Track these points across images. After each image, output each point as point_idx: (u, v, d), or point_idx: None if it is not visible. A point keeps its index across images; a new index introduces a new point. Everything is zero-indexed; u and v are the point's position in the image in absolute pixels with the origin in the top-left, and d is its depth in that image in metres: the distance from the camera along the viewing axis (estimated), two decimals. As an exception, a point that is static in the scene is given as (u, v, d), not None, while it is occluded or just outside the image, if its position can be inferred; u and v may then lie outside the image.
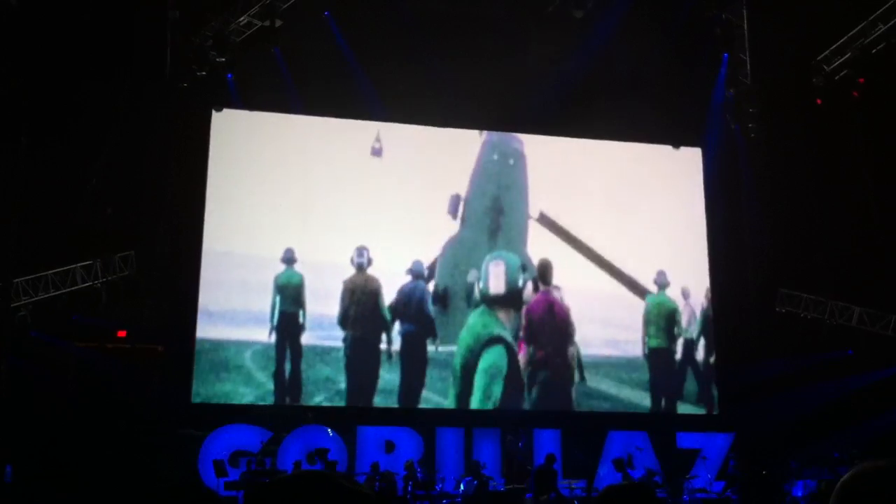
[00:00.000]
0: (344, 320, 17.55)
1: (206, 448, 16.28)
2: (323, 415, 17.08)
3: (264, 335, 17.22)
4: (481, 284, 18.21)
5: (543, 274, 18.50)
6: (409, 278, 17.93)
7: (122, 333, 17.36)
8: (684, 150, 19.94)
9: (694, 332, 19.06)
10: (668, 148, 19.84)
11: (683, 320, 19.05)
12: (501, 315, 18.16)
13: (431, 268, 18.09)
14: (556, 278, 18.53)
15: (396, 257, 17.90)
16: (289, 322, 17.37)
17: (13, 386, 15.26)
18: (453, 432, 17.46)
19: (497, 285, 18.28)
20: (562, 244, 18.70)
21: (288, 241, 17.47)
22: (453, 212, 18.36)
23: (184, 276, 17.14)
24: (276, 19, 17.69)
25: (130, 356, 17.12)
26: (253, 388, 17.00)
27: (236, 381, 16.91)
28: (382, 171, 18.24)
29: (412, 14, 18.46)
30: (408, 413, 17.52)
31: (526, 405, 18.10)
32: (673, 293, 19.04)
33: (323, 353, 17.41)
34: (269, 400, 17.06)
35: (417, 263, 17.95)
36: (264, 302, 17.32)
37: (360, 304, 17.65)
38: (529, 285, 18.41)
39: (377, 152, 18.29)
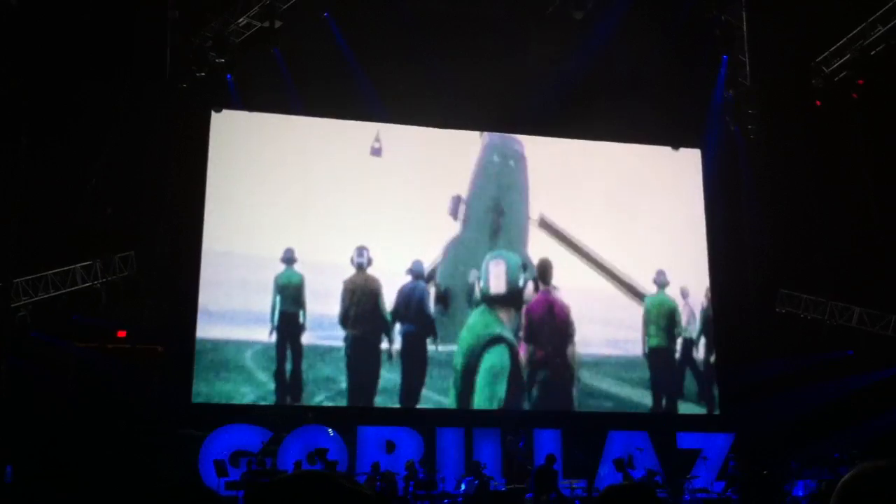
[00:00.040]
0: (344, 320, 17.55)
1: (207, 448, 16.29)
2: (323, 415, 17.08)
3: (265, 335, 17.22)
4: (482, 284, 18.22)
5: (543, 274, 18.51)
6: (409, 278, 17.92)
7: (122, 333, 17.36)
8: (684, 150, 19.95)
9: (693, 331, 19.07)
10: (668, 149, 19.85)
11: (683, 320, 19.05)
12: (502, 314, 18.17)
13: (433, 269, 18.07)
14: (557, 278, 18.54)
15: (396, 257, 17.90)
16: (289, 322, 17.38)
17: (13, 386, 15.26)
18: (454, 432, 17.46)
19: (498, 285, 18.29)
20: (560, 244, 18.70)
21: (288, 241, 17.47)
22: (454, 213, 18.36)
23: (183, 277, 17.14)
24: (275, 20, 17.68)
25: (130, 356, 17.11)
26: (254, 387, 17.00)
27: (237, 381, 16.91)
28: (382, 171, 18.24)
29: (412, 14, 18.46)
30: (408, 413, 17.52)
31: (526, 405, 18.10)
32: (672, 292, 19.05)
33: (323, 352, 17.41)
34: (270, 400, 17.05)
35: (417, 263, 17.96)
36: (264, 302, 17.32)
37: (361, 303, 17.66)
38: (530, 285, 18.42)
39: (377, 152, 18.29)
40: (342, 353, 17.47)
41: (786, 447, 17.49)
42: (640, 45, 18.67)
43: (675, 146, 19.86)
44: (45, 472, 15.05)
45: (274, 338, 17.29)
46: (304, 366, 17.27)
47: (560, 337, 18.41)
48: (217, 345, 16.96)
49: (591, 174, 19.21)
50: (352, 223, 17.81)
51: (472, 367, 17.79)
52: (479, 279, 18.23)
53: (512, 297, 18.32)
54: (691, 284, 19.13)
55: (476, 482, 15.50)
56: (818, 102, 19.18)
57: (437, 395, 17.64)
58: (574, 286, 18.61)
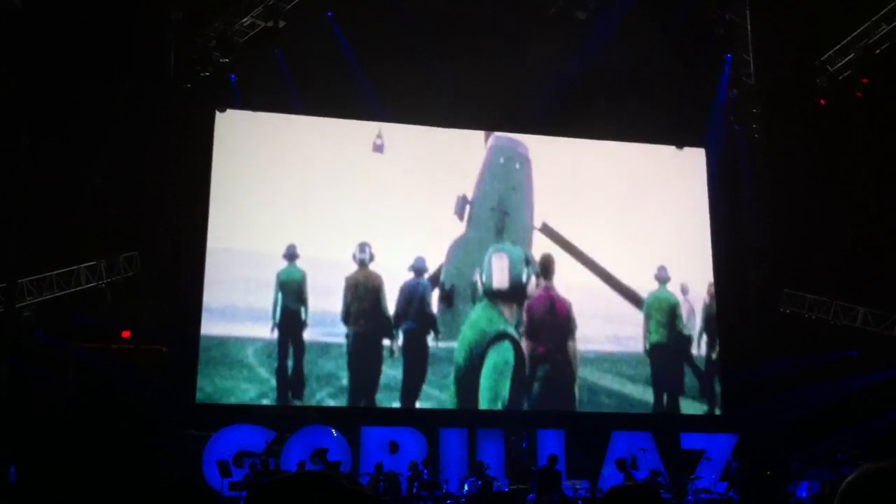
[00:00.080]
0: (346, 316, 17.57)
1: (210, 448, 16.29)
2: (327, 415, 17.08)
3: (266, 332, 17.23)
4: (484, 278, 18.22)
5: (545, 270, 18.51)
6: (410, 275, 17.93)
7: (126, 334, 17.39)
8: (688, 150, 19.94)
9: (693, 328, 19.03)
10: (672, 148, 19.84)
11: (683, 316, 19.04)
12: (504, 310, 18.17)
13: (438, 269, 18.07)
14: (559, 274, 18.54)
15: (398, 254, 17.92)
16: (291, 318, 17.39)
17: (14, 386, 15.28)
18: (457, 433, 17.45)
19: (501, 279, 18.29)
20: (565, 236, 18.73)
21: (290, 237, 17.49)
22: (460, 213, 18.38)
23: (187, 276, 17.16)
24: (279, 20, 17.69)
25: (134, 357, 17.13)
26: (256, 384, 17.01)
27: (239, 378, 16.92)
28: (384, 168, 18.26)
29: (415, 15, 18.48)
30: (412, 413, 17.52)
31: (527, 402, 18.08)
32: (673, 289, 19.04)
33: (325, 349, 17.42)
34: (272, 396, 17.06)
35: (420, 260, 17.97)
36: (266, 299, 17.34)
37: (362, 300, 17.67)
38: (533, 279, 18.41)
39: (379, 148, 18.32)
40: (344, 349, 17.48)
41: (789, 447, 17.47)
42: (643, 45, 18.67)
43: (679, 145, 19.86)
44: (47, 472, 15.06)
45: (275, 334, 17.30)
46: (305, 362, 17.28)
47: (561, 333, 18.41)
48: (219, 342, 16.98)
49: (595, 174, 19.21)
50: (353, 220, 17.83)
51: (475, 364, 17.79)
52: (481, 273, 18.22)
53: (514, 292, 18.32)
54: (693, 282, 19.11)
55: (479, 483, 15.49)
56: (822, 101, 19.17)
57: (438, 392, 17.65)
58: (576, 282, 18.60)
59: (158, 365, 17.05)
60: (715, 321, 19.11)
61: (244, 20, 17.81)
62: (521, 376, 17.98)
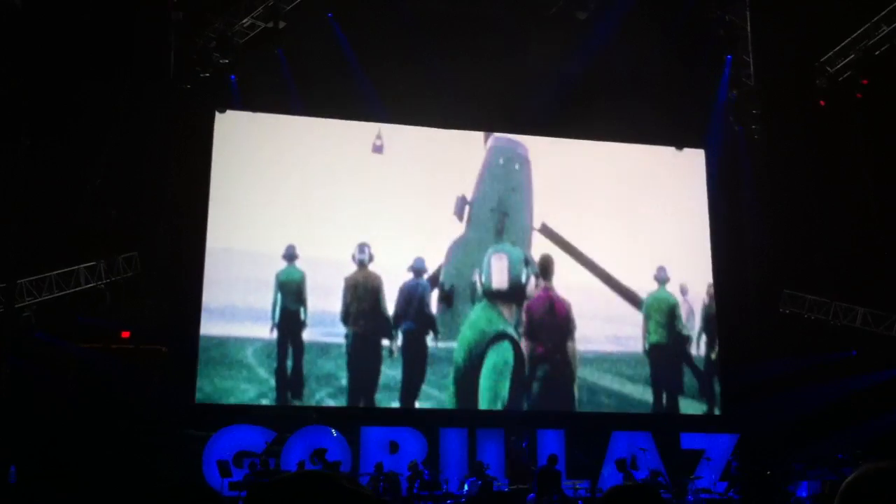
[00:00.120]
0: (345, 317, 17.57)
1: (211, 448, 16.29)
2: (327, 415, 17.09)
3: (266, 332, 17.23)
4: (483, 278, 18.21)
5: (545, 270, 18.51)
6: (409, 275, 17.94)
7: (125, 334, 17.39)
8: (688, 151, 19.94)
9: (692, 328, 19.03)
10: (672, 149, 19.84)
11: (682, 316, 19.04)
12: (504, 310, 18.17)
13: (437, 270, 18.07)
14: (558, 275, 18.54)
15: (397, 254, 17.91)
16: (290, 318, 17.40)
17: (14, 386, 15.28)
18: (457, 433, 17.45)
19: (500, 280, 18.29)
20: (564, 236, 18.72)
21: (290, 238, 17.49)
22: (459, 213, 18.38)
23: (187, 277, 17.15)
24: (279, 21, 17.69)
25: (134, 357, 17.13)
26: (255, 384, 17.01)
27: (238, 378, 16.93)
28: (383, 168, 18.27)
29: (415, 15, 18.48)
30: (412, 413, 17.52)
31: (526, 402, 18.08)
32: (673, 289, 19.04)
33: (324, 349, 17.43)
34: (271, 396, 17.07)
35: (419, 260, 17.97)
36: (266, 299, 17.35)
37: (362, 300, 17.68)
38: (532, 280, 18.41)
39: (378, 149, 18.33)
40: (343, 349, 17.48)
41: (790, 448, 17.47)
42: (643, 45, 18.66)
43: (679, 146, 19.86)
44: (46, 472, 15.06)
45: (275, 335, 17.31)
46: (304, 362, 17.28)
47: (560, 334, 18.41)
48: (218, 342, 16.98)
49: (595, 174, 19.21)
50: (353, 220, 17.83)
51: (474, 364, 17.79)
52: (480, 273, 18.22)
53: (514, 293, 18.32)
54: (692, 282, 19.11)
55: (479, 483, 15.49)
56: (822, 102, 19.18)
57: (437, 392, 17.65)
58: (575, 283, 18.61)
59: (158, 365, 17.05)
60: (714, 321, 19.11)
61: (244, 21, 17.82)
62: (520, 376, 17.98)
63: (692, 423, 18.70)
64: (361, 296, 17.70)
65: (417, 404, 17.62)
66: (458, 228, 18.38)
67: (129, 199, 17.32)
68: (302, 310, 17.47)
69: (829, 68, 19.08)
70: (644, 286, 18.95)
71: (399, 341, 17.70)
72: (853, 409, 17.83)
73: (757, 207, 19.86)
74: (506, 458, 17.39)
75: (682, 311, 19.02)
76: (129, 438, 15.69)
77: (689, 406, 18.77)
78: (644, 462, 17.09)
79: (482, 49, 18.05)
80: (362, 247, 17.77)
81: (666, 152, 19.82)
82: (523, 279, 18.40)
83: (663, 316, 18.96)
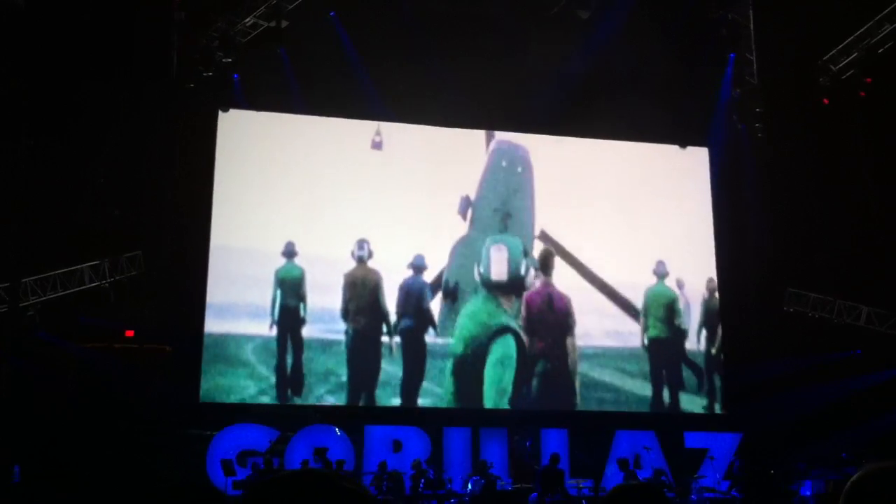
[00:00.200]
0: (345, 313, 17.57)
1: (214, 447, 16.30)
2: (330, 414, 17.10)
3: (265, 329, 17.24)
4: (482, 269, 18.19)
5: (545, 266, 18.49)
6: (409, 272, 17.94)
7: (129, 333, 17.40)
8: (691, 149, 19.92)
9: (689, 322, 18.99)
10: (675, 147, 19.82)
11: (682, 311, 19.02)
12: (503, 301, 18.16)
13: (441, 271, 18.06)
14: (558, 271, 18.54)
15: (397, 250, 17.91)
16: (290, 315, 17.41)
17: (16, 386, 15.31)
18: (460, 432, 17.45)
19: (499, 271, 18.26)
20: (566, 235, 18.71)
21: (291, 235, 17.50)
22: (463, 213, 18.39)
23: (191, 275, 17.17)
24: (281, 20, 17.71)
25: (138, 356, 17.14)
26: (255, 381, 17.02)
27: (238, 375, 16.94)
28: (385, 166, 18.28)
29: (418, 15, 18.49)
30: (415, 412, 17.52)
31: (530, 396, 18.05)
32: (672, 284, 19.03)
33: (324, 345, 17.43)
34: (272, 393, 17.07)
35: (419, 258, 17.97)
36: (266, 296, 17.36)
37: (361, 297, 17.68)
38: (532, 271, 18.40)
39: (377, 145, 18.33)
40: (343, 346, 17.49)
41: (794, 447, 17.45)
42: (646, 44, 18.62)
43: (682, 144, 19.84)
44: (47, 472, 15.08)
45: (274, 331, 17.32)
46: (304, 359, 17.29)
47: (560, 329, 18.39)
48: (219, 339, 17.00)
49: (597, 173, 19.19)
50: (353, 217, 17.83)
51: (476, 357, 17.76)
52: (478, 264, 18.20)
53: (513, 284, 18.31)
54: (690, 276, 19.09)
55: (483, 482, 15.49)
56: (825, 101, 19.16)
57: (437, 388, 17.64)
58: (575, 278, 18.60)
59: (162, 364, 17.06)
60: (715, 316, 19.09)
61: (247, 20, 17.83)
62: (523, 369, 17.97)
63: (696, 421, 18.69)
64: (361, 292, 17.70)
65: (418, 400, 17.61)
66: (458, 226, 18.37)
67: (132, 199, 17.34)
68: (301, 306, 17.48)
69: (832, 67, 19.07)
70: (645, 282, 18.92)
71: (398, 338, 17.70)
72: (857, 408, 17.80)
73: (760, 206, 19.84)
74: (509, 457, 17.39)
75: (681, 306, 19.00)
76: (132, 438, 15.70)
77: (690, 401, 18.74)
78: (648, 461, 17.08)
79: (484, 48, 18.05)
80: (361, 243, 17.77)
81: (669, 151, 19.81)
82: (522, 271, 18.37)
83: (662, 310, 18.94)
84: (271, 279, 17.41)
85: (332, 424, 16.86)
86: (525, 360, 18.01)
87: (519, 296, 18.28)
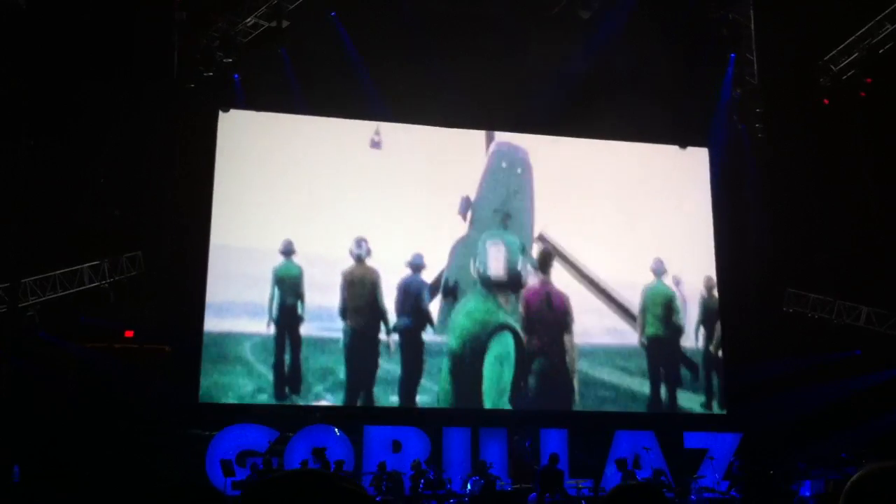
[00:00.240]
0: (343, 312, 17.57)
1: (214, 448, 16.30)
2: (330, 414, 17.10)
3: (263, 327, 17.24)
4: (479, 266, 18.18)
5: (543, 264, 18.49)
6: (407, 271, 17.93)
7: (129, 333, 17.40)
8: (691, 149, 19.92)
9: (686, 319, 18.97)
10: (675, 148, 19.82)
11: (679, 308, 19.02)
12: (501, 298, 18.15)
13: (441, 272, 18.05)
14: (556, 268, 18.54)
15: (395, 250, 17.90)
16: (288, 314, 17.41)
17: (16, 386, 15.30)
18: (460, 432, 17.45)
19: (497, 267, 18.25)
20: (566, 235, 18.71)
21: (289, 234, 17.50)
22: (463, 213, 18.38)
23: (190, 276, 17.16)
24: (282, 20, 17.70)
25: (138, 356, 17.14)
26: (253, 379, 17.02)
27: (236, 373, 16.93)
28: (384, 166, 18.28)
29: (418, 15, 18.49)
30: (415, 412, 17.52)
31: (528, 394, 18.04)
32: (670, 282, 19.02)
33: (322, 344, 17.42)
34: (270, 391, 17.07)
35: (417, 256, 17.97)
36: (264, 294, 17.35)
37: (359, 295, 17.67)
38: (529, 268, 18.39)
39: (376, 145, 18.33)
40: (341, 344, 17.48)
41: (793, 447, 17.44)
42: (646, 44, 18.61)
43: (683, 145, 19.84)
44: (47, 472, 15.07)
45: (272, 330, 17.32)
46: (302, 357, 17.29)
47: (558, 327, 18.39)
48: (218, 338, 17.00)
49: (597, 173, 19.19)
50: (352, 215, 17.83)
51: (474, 355, 17.74)
52: (475, 261, 18.19)
53: (511, 282, 18.30)
54: (688, 273, 19.09)
55: (482, 482, 15.48)
56: (825, 101, 19.16)
57: (435, 386, 17.64)
58: (573, 275, 18.61)
59: (161, 364, 17.06)
60: (714, 314, 19.09)
61: (247, 20, 17.83)
62: (522, 367, 17.96)
63: (696, 422, 18.68)
64: (359, 291, 17.70)
65: (417, 398, 17.61)
66: (457, 225, 18.36)
67: (132, 199, 17.34)
68: (300, 305, 17.48)
69: (832, 67, 19.07)
70: (644, 282, 18.91)
71: (396, 337, 17.69)
72: (857, 408, 17.79)
73: (760, 205, 19.84)
74: (509, 458, 17.39)
75: (679, 303, 19.01)
76: (131, 438, 15.70)
77: (688, 399, 18.73)
78: (647, 461, 17.08)
79: (484, 48, 18.04)
80: (359, 241, 17.77)
81: (669, 151, 19.80)
82: (520, 267, 18.36)
83: (660, 308, 18.93)
84: (268, 277, 17.40)
85: (332, 425, 16.86)
86: (523, 358, 18.01)
87: (517, 293, 18.27)
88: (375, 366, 17.48)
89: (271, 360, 17.17)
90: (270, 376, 17.11)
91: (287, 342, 17.31)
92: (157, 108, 17.21)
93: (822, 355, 18.59)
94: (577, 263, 18.69)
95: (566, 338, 18.37)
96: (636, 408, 18.54)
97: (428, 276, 18.03)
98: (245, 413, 16.82)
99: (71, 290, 16.68)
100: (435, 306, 17.98)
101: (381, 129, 18.41)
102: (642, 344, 18.75)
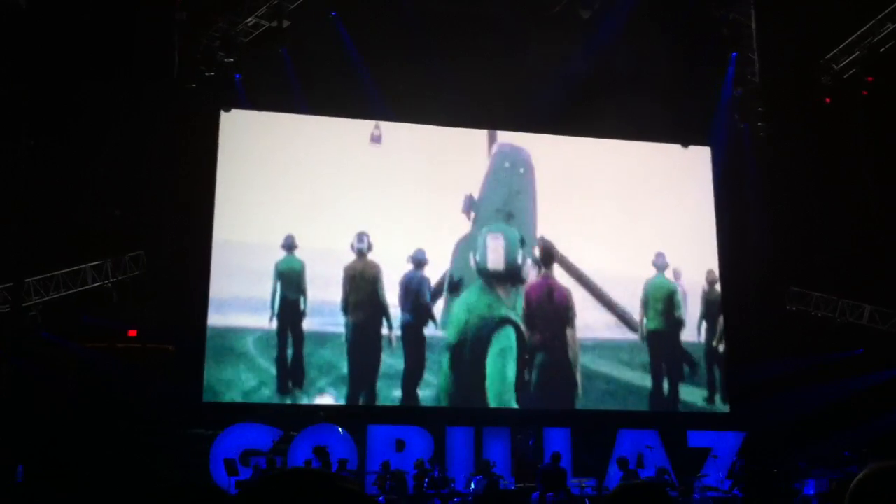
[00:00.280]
0: (345, 306, 17.57)
1: (217, 447, 16.32)
2: (333, 413, 17.10)
3: (265, 322, 17.24)
4: (478, 257, 18.16)
5: (546, 259, 18.47)
6: (409, 266, 17.92)
7: (132, 333, 17.41)
8: (693, 148, 19.91)
9: (687, 313, 18.96)
10: (677, 147, 19.81)
11: (681, 303, 19.01)
12: (500, 292, 18.13)
13: (445, 272, 18.05)
14: (556, 268, 18.53)
15: (397, 244, 17.90)
16: (290, 308, 17.41)
17: (18, 386, 15.31)
18: (463, 431, 17.45)
19: (496, 260, 18.23)
20: (568, 233, 18.70)
21: (291, 229, 17.51)
22: (467, 211, 18.39)
23: (193, 275, 17.17)
24: (283, 20, 17.70)
25: (141, 356, 17.16)
26: (256, 374, 17.03)
27: (239, 368, 16.94)
28: (385, 164, 18.28)
29: (419, 15, 18.48)
30: (418, 412, 17.52)
31: (531, 389, 18.02)
32: (671, 276, 19.02)
33: (324, 338, 17.42)
34: (272, 386, 17.07)
35: (419, 252, 17.96)
36: (266, 289, 17.36)
37: (361, 290, 17.68)
38: (530, 262, 18.38)
39: (377, 139, 18.33)
40: (343, 338, 17.48)
41: (798, 446, 17.43)
42: (647, 43, 18.60)
43: (685, 143, 19.83)
44: (49, 472, 15.08)
45: (275, 324, 17.32)
46: (305, 352, 17.29)
47: (560, 321, 18.38)
48: (220, 333, 17.00)
49: (599, 172, 19.18)
50: (354, 211, 17.84)
51: (474, 349, 17.72)
52: (474, 253, 18.18)
53: (510, 274, 18.29)
54: (688, 267, 19.08)
55: (486, 481, 15.47)
56: (827, 100, 19.14)
57: (436, 379, 17.64)
58: (574, 281, 18.61)
59: (164, 364, 17.07)
60: (716, 308, 19.08)
61: (248, 20, 17.83)
62: (524, 361, 17.96)
63: (699, 420, 18.67)
64: (360, 285, 17.70)
65: (419, 393, 17.59)
66: (458, 222, 18.35)
67: (134, 199, 17.34)
68: (302, 299, 17.48)
69: (833, 66, 19.05)
70: (645, 276, 18.91)
71: (398, 331, 17.69)
72: (860, 407, 17.78)
73: (762, 204, 19.82)
74: (512, 457, 17.38)
75: (680, 298, 19.00)
76: (134, 438, 15.71)
77: (690, 393, 18.72)
78: (651, 460, 17.07)
79: (485, 48, 18.03)
80: (361, 236, 17.77)
81: (671, 150, 19.80)
82: (519, 260, 18.34)
83: (661, 303, 18.92)
84: (270, 272, 17.40)
85: (335, 424, 16.86)
86: (525, 352, 18.00)
87: (516, 287, 18.25)
88: (378, 360, 17.49)
89: (274, 354, 17.18)
90: (273, 371, 17.12)
91: (289, 337, 17.31)
92: (158, 108, 17.19)
93: (824, 354, 18.57)
94: (579, 270, 18.67)
95: (568, 332, 18.36)
96: (638, 402, 18.53)
97: (430, 273, 18.02)
98: (248, 412, 16.83)
99: (74, 290, 16.69)
100: (439, 306, 17.98)
101: (381, 125, 18.42)
102: (643, 338, 18.75)
